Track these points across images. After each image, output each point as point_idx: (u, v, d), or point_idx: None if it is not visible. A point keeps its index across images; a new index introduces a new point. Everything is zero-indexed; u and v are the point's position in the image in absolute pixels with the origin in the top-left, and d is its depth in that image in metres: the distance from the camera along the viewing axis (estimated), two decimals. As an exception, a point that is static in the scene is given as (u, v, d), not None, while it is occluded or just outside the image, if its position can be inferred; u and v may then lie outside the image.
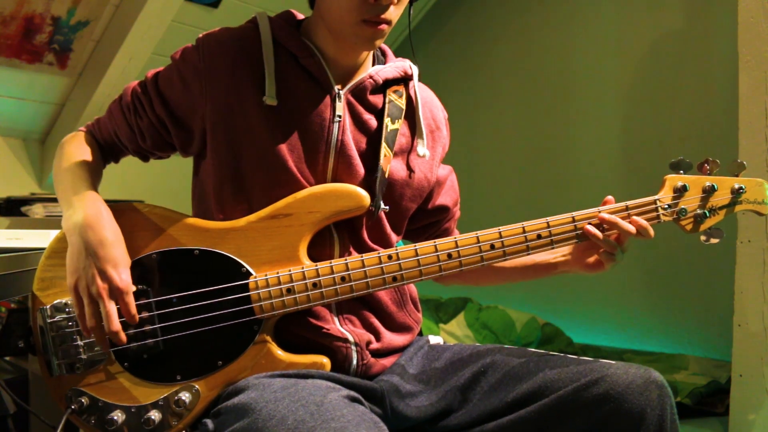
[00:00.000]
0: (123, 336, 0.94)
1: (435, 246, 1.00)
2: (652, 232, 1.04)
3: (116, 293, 0.93)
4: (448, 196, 1.20)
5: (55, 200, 1.86)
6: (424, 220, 1.19)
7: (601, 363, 0.96)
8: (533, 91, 3.02)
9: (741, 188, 1.09)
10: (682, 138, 2.57)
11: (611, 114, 2.77)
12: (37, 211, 1.83)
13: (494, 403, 0.99)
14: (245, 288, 0.97)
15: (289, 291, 0.97)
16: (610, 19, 2.76)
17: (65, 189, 1.03)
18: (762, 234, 1.76)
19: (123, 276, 0.93)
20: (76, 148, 1.09)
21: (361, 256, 0.98)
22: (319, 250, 1.02)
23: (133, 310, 0.94)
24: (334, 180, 1.03)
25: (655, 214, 1.06)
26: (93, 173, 1.06)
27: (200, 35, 1.05)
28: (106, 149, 1.14)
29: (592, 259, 1.09)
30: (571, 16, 2.88)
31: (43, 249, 1.04)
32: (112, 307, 0.92)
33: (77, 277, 0.94)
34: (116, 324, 0.93)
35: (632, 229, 1.03)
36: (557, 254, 1.14)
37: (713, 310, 2.48)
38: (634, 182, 2.68)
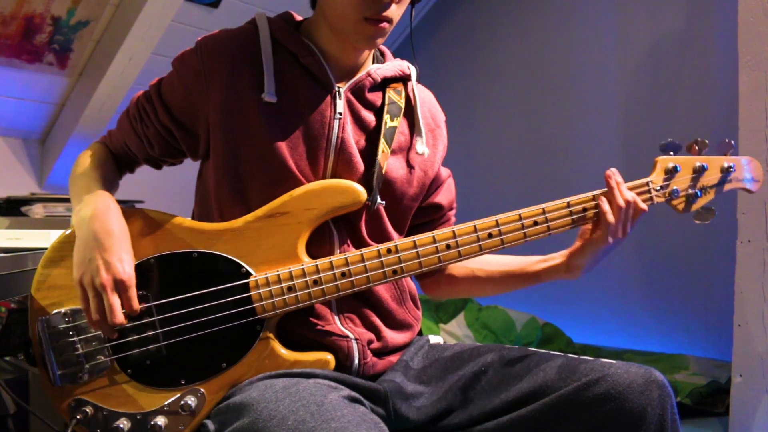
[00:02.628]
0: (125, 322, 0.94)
1: (433, 237, 1.00)
2: (642, 205, 1.06)
3: (119, 285, 0.93)
4: (443, 196, 1.18)
5: (55, 200, 1.86)
6: (418, 218, 1.17)
7: (601, 362, 0.96)
8: (533, 91, 3.01)
9: (731, 167, 1.10)
10: (682, 138, 2.55)
11: (611, 114, 2.77)
12: (37, 211, 1.83)
13: (495, 402, 0.99)
14: (246, 288, 0.97)
15: (290, 289, 0.97)
16: (610, 19, 2.76)
17: (78, 191, 1.05)
18: (762, 234, 1.76)
19: (126, 268, 0.93)
20: (91, 157, 1.11)
21: (360, 251, 0.98)
22: (318, 246, 1.02)
23: (135, 303, 0.94)
24: (334, 177, 1.03)
25: (648, 195, 1.07)
26: (107, 178, 1.08)
27: (199, 38, 1.05)
28: (120, 160, 1.16)
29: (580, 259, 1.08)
30: (571, 16, 2.88)
31: (43, 249, 1.04)
32: (115, 300, 0.92)
33: (83, 271, 0.94)
34: (119, 317, 0.92)
35: (629, 196, 1.04)
36: (548, 262, 1.13)
37: (713, 310, 2.48)
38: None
